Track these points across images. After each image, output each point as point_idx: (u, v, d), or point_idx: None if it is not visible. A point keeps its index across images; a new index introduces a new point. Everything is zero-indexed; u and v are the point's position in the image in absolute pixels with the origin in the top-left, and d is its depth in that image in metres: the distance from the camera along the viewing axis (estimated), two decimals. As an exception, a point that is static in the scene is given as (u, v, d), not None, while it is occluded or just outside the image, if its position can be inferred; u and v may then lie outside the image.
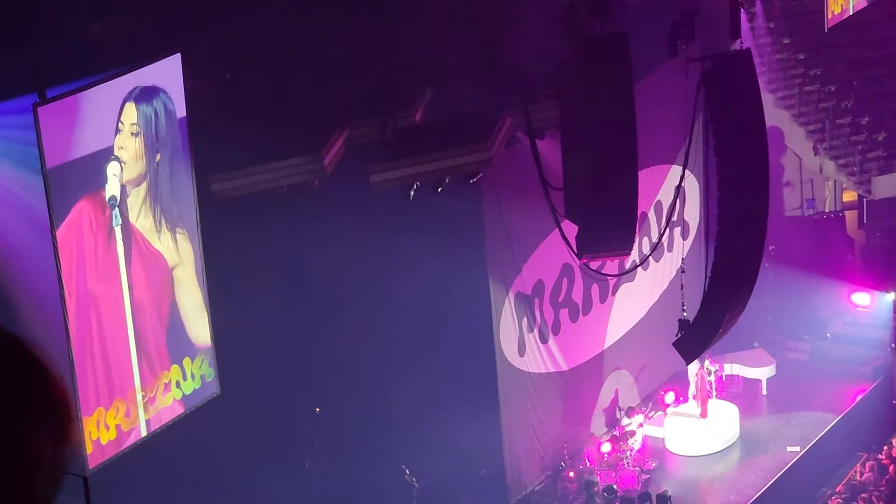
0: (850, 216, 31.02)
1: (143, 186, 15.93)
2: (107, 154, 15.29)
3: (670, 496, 23.30)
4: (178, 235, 16.68)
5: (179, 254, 16.85)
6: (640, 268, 25.08)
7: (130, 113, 15.33)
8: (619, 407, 25.96)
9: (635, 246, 20.88)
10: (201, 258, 17.54)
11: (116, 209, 15.54)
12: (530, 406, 23.94)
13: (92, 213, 15.43)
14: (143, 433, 16.97)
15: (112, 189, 15.40)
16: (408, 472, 22.05)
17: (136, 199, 15.89)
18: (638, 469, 24.17)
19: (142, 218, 16.06)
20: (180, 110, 16.51)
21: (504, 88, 19.21)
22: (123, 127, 15.24)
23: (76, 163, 15.00)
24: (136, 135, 15.40)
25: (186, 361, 17.63)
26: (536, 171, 19.15)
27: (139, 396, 16.80)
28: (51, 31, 15.17)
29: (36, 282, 15.53)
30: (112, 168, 15.30)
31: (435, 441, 22.16)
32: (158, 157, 15.95)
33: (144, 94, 15.34)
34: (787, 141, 29.44)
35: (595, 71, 17.60)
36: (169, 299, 17.03)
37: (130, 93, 15.22)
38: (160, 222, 16.32)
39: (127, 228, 15.86)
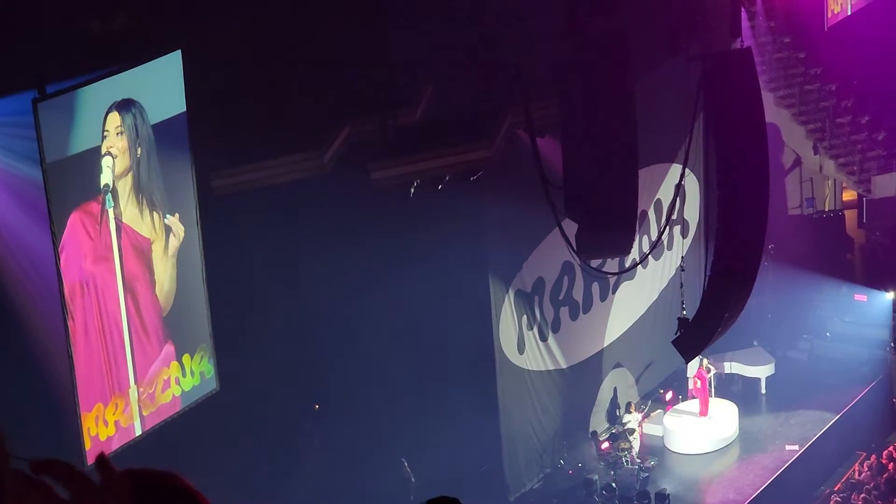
0: (850, 215, 31.00)
1: (129, 177, 16.47)
2: (99, 151, 15.92)
3: (669, 494, 23.32)
4: (155, 219, 16.91)
5: (162, 238, 17.06)
6: (639, 266, 25.09)
7: (114, 119, 16.04)
8: (618, 405, 26.00)
9: (635, 244, 20.88)
10: (200, 254, 17.59)
11: (108, 195, 16.14)
12: (529, 403, 23.95)
13: (87, 204, 15.88)
14: (143, 429, 17.00)
15: (105, 178, 16.08)
16: (406, 465, 22.03)
17: (124, 189, 16.43)
18: (637, 467, 24.20)
19: (130, 206, 16.57)
20: (180, 107, 16.67)
21: (505, 86, 19.19)
22: (109, 133, 15.99)
23: (73, 158, 15.52)
24: (120, 134, 16.16)
25: (186, 358, 17.66)
26: (537, 169, 19.14)
27: (137, 392, 16.83)
28: (51, 27, 15.26)
29: (36, 279, 15.64)
30: (106, 161, 16.04)
31: (434, 438, 22.15)
32: (140, 151, 16.51)
33: (123, 104, 16.16)
34: (787, 140, 29.41)
35: (596, 69, 17.59)
36: (159, 285, 17.14)
37: (111, 105, 15.98)
38: (144, 209, 16.85)
39: (118, 216, 16.34)
